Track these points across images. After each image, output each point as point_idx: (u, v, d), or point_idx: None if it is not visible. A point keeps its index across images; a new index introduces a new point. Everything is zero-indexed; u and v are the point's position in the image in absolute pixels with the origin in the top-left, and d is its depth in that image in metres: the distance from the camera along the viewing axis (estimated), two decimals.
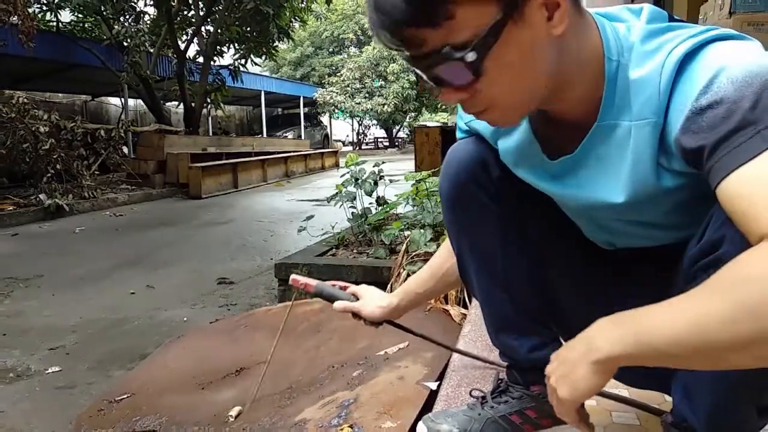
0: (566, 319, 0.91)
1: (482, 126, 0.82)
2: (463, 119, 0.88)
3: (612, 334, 0.53)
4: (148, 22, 10.38)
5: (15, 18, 6.70)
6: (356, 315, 1.05)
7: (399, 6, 0.54)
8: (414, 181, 3.12)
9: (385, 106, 18.18)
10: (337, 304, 1.06)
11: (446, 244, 1.01)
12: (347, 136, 25.18)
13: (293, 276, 1.10)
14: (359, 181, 3.13)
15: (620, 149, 0.64)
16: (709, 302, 0.46)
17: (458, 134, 0.92)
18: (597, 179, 0.68)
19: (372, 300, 1.04)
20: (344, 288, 1.09)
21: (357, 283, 1.16)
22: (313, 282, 1.08)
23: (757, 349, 0.45)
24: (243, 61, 11.44)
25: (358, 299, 1.06)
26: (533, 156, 0.75)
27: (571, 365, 0.56)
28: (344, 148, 20.23)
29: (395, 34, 0.56)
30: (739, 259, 0.47)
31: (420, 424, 0.99)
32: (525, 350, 0.91)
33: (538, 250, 0.89)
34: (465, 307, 1.99)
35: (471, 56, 0.56)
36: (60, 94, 11.63)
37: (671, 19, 0.65)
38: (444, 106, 11.04)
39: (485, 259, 0.89)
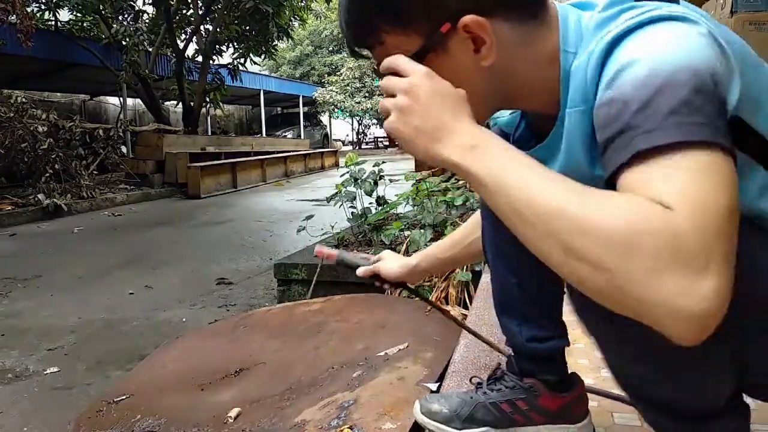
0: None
1: (501, 120, 0.83)
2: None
3: (486, 156, 0.53)
4: (147, 21, 10.36)
5: (13, 17, 6.68)
6: (378, 278, 1.10)
7: (345, 30, 0.65)
8: (414, 181, 3.12)
9: None
10: (360, 270, 1.11)
11: (474, 216, 1.04)
12: (347, 135, 25.18)
13: (318, 247, 1.17)
14: (359, 180, 3.12)
15: (563, 138, 0.65)
16: (564, 210, 0.47)
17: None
18: (554, 168, 0.69)
19: (392, 262, 1.10)
20: (366, 258, 1.15)
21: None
22: (335, 251, 1.15)
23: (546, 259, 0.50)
24: (242, 60, 11.43)
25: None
26: (525, 147, 0.75)
27: (425, 122, 0.56)
28: (344, 148, 20.22)
29: (351, 49, 0.67)
30: (611, 201, 0.47)
31: (416, 402, 1.01)
32: (524, 338, 0.91)
33: None
34: (465, 307, 1.99)
35: (390, 80, 0.61)
36: (58, 94, 11.61)
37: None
38: None
39: (501, 240, 0.89)
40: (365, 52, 0.67)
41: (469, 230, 1.06)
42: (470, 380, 1.04)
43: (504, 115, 0.80)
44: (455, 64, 0.61)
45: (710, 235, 0.44)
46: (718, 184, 0.46)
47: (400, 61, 0.60)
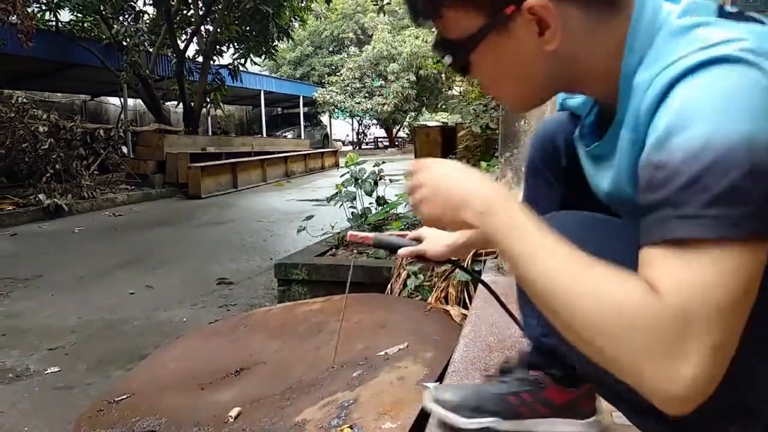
0: None
1: (573, 103, 0.82)
2: (560, 96, 0.86)
3: (495, 219, 0.59)
4: (148, 21, 10.37)
5: (14, 17, 6.68)
6: (422, 257, 1.04)
7: (410, 1, 0.65)
8: None
9: (385, 106, 18.18)
10: (402, 251, 1.05)
11: None
12: (347, 135, 25.18)
13: (350, 232, 1.12)
14: (359, 180, 3.13)
15: (616, 152, 0.64)
16: (561, 292, 0.52)
17: (557, 105, 0.91)
18: (608, 171, 0.68)
19: (437, 240, 1.04)
20: (403, 236, 1.08)
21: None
22: (370, 234, 1.09)
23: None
24: (242, 61, 11.43)
25: (420, 243, 1.06)
26: (591, 135, 0.75)
27: (445, 201, 0.65)
28: (344, 148, 20.23)
29: (413, 18, 0.66)
30: (607, 286, 0.50)
31: (426, 392, 1.02)
32: (539, 333, 0.92)
33: None
34: (465, 307, 1.99)
35: (448, 58, 0.64)
36: (59, 94, 11.61)
37: (721, 12, 0.57)
38: (444, 106, 11.04)
39: None
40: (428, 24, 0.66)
41: None
42: (484, 372, 1.07)
43: (577, 97, 0.79)
44: (516, 46, 0.60)
45: (694, 325, 0.46)
46: (728, 277, 0.47)
47: (411, 167, 0.70)
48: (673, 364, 0.47)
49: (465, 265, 1.90)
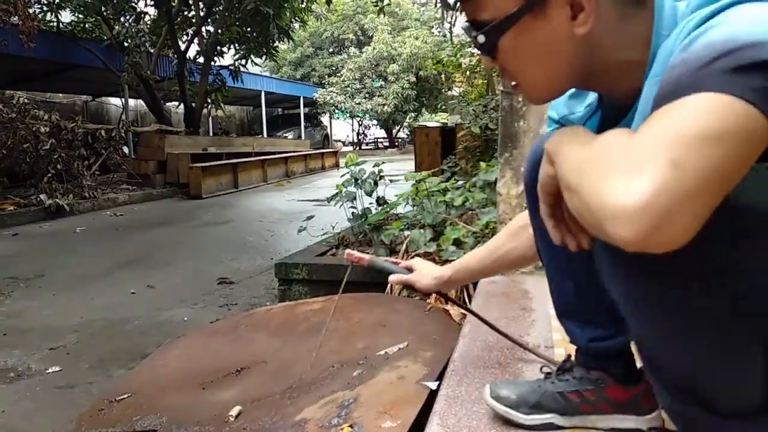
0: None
1: (574, 117, 0.83)
2: (555, 110, 0.88)
3: (551, 145, 0.62)
4: (149, 22, 10.37)
5: (15, 18, 6.70)
6: (410, 287, 1.13)
7: None
8: (414, 181, 3.13)
9: (385, 107, 18.18)
10: (392, 277, 1.13)
11: (506, 228, 1.08)
12: (347, 136, 25.19)
13: (348, 251, 1.21)
14: (359, 181, 3.13)
15: (637, 111, 0.64)
16: (588, 166, 0.53)
17: (548, 127, 0.93)
18: None
19: (426, 272, 1.12)
20: (396, 263, 1.17)
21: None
22: (366, 256, 1.17)
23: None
24: (243, 62, 11.44)
25: (411, 272, 1.13)
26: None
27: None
28: (344, 149, 20.23)
29: (450, 4, 0.65)
30: (602, 138, 0.54)
31: (486, 386, 1.03)
32: (585, 340, 0.94)
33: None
34: None
35: (482, 37, 0.64)
36: (60, 95, 11.62)
37: None
38: (444, 107, 11.04)
39: (550, 245, 0.89)
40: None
41: (500, 242, 1.09)
42: (540, 369, 1.08)
43: (578, 112, 0.81)
44: (550, 28, 0.61)
45: (655, 147, 0.46)
46: (704, 115, 0.45)
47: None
48: (630, 178, 0.46)
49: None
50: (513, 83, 0.70)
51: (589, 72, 0.65)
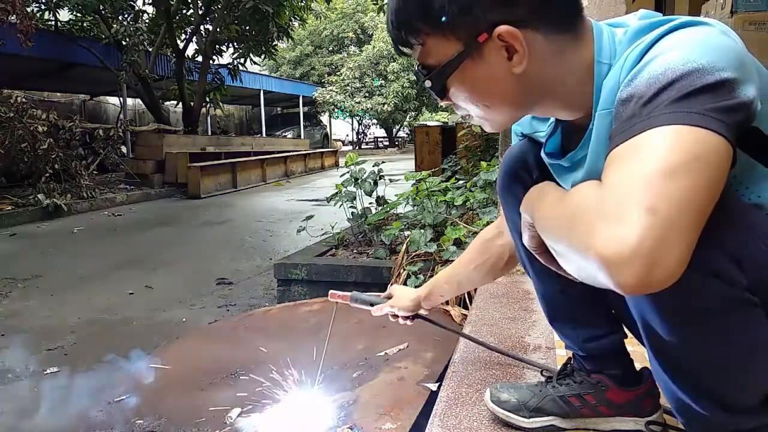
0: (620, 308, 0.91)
1: (539, 135, 0.87)
2: (520, 127, 0.94)
3: (525, 210, 0.72)
4: (147, 21, 10.34)
5: (13, 17, 6.67)
6: (394, 315, 1.20)
7: (391, 30, 0.70)
8: (414, 181, 3.12)
9: (385, 106, 18.17)
10: (374, 310, 1.22)
11: (474, 243, 1.12)
12: (347, 135, 25.17)
13: (331, 291, 1.27)
14: (359, 180, 3.13)
15: (591, 140, 0.69)
16: (550, 212, 0.63)
17: (513, 137, 0.98)
18: (579, 173, 0.74)
19: (404, 296, 1.19)
20: (377, 295, 1.24)
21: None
22: (349, 294, 1.25)
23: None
24: (242, 60, 11.42)
25: (390, 299, 1.21)
26: (555, 157, 0.80)
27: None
28: (344, 148, 20.22)
29: (396, 47, 0.73)
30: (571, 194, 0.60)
31: (486, 390, 1.05)
32: (580, 340, 0.95)
33: None
34: (465, 307, 1.99)
35: (428, 81, 0.69)
36: (58, 94, 11.59)
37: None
38: (444, 106, 11.05)
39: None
40: (408, 51, 0.73)
41: (471, 257, 1.12)
42: (541, 373, 1.08)
43: (540, 131, 0.85)
44: (489, 70, 0.66)
45: (630, 195, 0.49)
46: (665, 154, 0.50)
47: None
48: (614, 229, 0.49)
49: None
50: (464, 116, 0.75)
51: (538, 102, 0.70)
